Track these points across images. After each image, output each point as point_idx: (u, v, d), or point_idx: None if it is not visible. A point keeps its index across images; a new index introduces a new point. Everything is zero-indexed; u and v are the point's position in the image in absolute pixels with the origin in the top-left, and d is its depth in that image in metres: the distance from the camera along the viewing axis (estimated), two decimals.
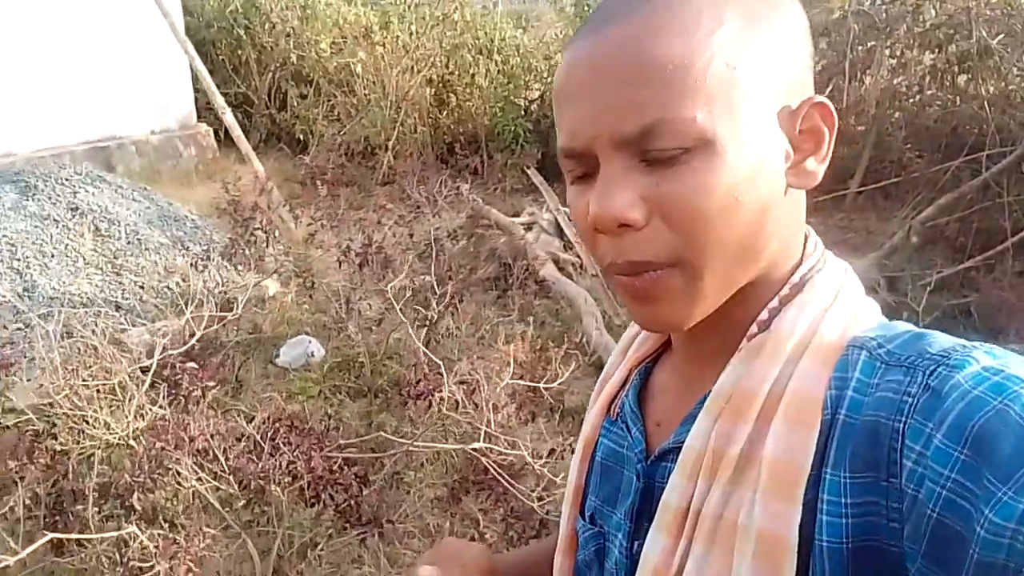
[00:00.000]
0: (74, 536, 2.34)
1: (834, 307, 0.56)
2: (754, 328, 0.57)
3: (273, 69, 8.03)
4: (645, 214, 0.52)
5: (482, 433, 2.70)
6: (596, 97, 0.52)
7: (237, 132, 6.40)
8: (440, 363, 3.08)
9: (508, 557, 0.87)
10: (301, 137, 7.72)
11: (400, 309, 3.50)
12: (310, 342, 4.04)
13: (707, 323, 0.57)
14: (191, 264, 4.42)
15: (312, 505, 2.64)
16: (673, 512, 0.55)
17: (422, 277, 4.04)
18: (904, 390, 0.48)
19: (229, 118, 6.45)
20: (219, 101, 6.42)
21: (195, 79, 6.85)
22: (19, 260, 4.34)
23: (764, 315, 0.57)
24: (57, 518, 2.49)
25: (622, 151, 0.52)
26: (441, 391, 2.87)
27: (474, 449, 2.67)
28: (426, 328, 3.65)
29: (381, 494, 2.81)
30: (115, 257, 4.63)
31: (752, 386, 0.54)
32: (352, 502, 2.64)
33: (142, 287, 4.23)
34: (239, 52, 8.04)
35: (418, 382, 3.01)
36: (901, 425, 0.47)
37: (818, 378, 0.52)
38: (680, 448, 0.57)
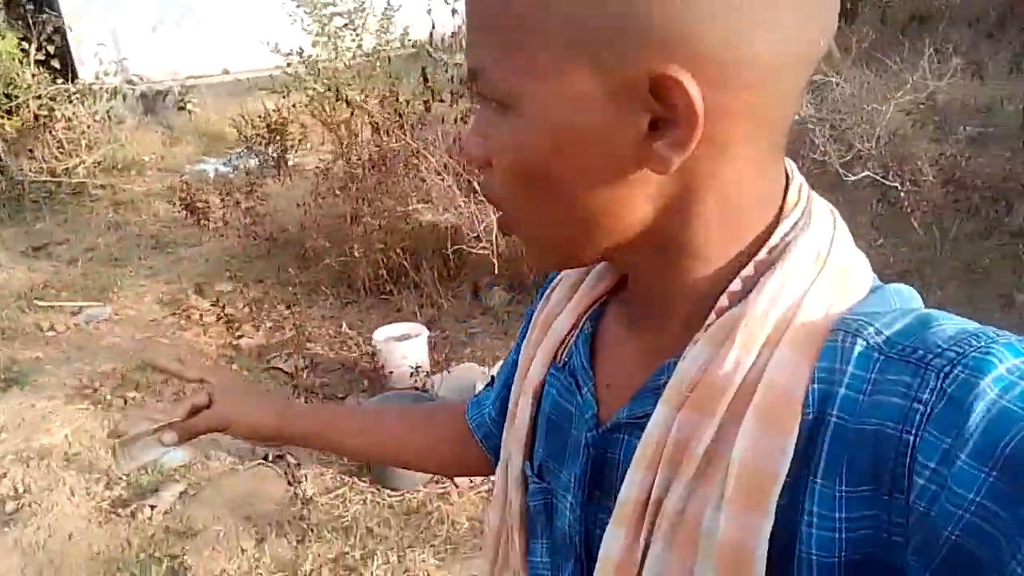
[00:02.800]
0: None
1: (821, 276, 0.48)
2: (724, 300, 0.49)
3: None
4: (482, 156, 0.51)
5: None
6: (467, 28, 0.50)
7: None
8: None
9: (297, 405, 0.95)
10: None
11: None
12: None
13: (665, 284, 0.52)
14: None
15: None
16: (632, 505, 0.50)
17: None
18: (914, 395, 0.42)
19: None
20: None
21: None
22: None
23: (736, 285, 0.49)
24: None
25: (473, 86, 0.50)
26: None
27: None
28: None
29: None
30: None
31: (721, 375, 0.47)
32: None
33: None
34: None
35: None
36: (911, 437, 0.41)
37: (798, 370, 0.46)
38: (634, 424, 0.53)
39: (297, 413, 0.86)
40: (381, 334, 3.36)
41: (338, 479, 2.80)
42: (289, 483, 2.73)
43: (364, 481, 2.78)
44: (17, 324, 4.03)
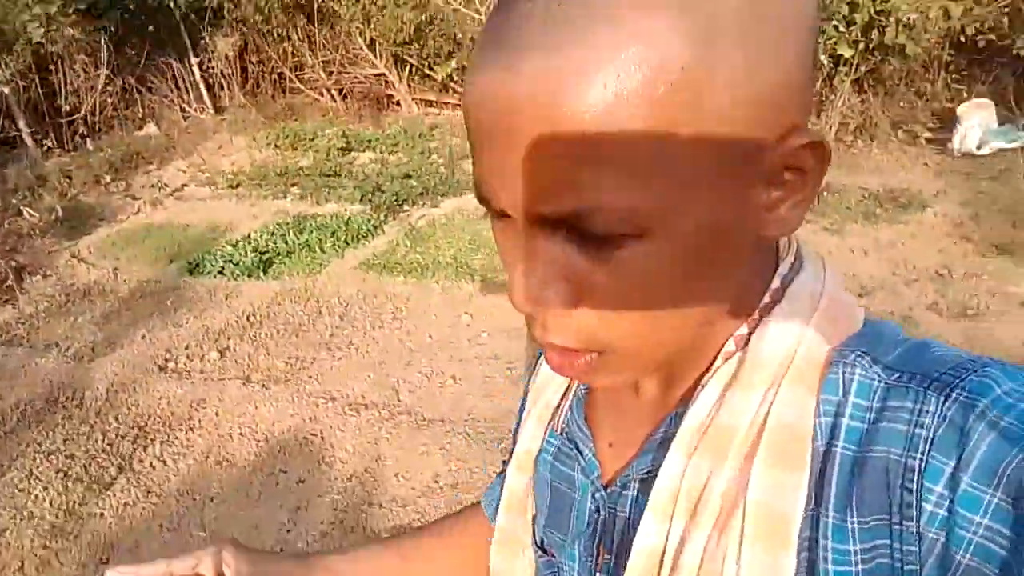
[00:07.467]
0: None
1: (816, 315, 0.49)
2: (731, 345, 0.49)
3: None
4: (571, 300, 0.44)
5: None
6: (510, 160, 0.41)
7: None
8: None
9: (331, 556, 0.75)
10: None
11: None
12: None
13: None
14: None
15: None
16: (646, 558, 0.49)
17: None
18: (916, 420, 0.42)
19: None
20: None
21: None
22: None
23: (743, 329, 0.49)
24: None
25: (546, 226, 0.43)
26: None
27: None
28: None
29: None
30: None
31: (730, 419, 0.47)
32: None
33: None
34: None
35: None
36: (916, 463, 0.42)
37: (804, 406, 0.46)
38: (644, 478, 0.52)
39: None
40: None
41: None
42: None
43: None
44: None
